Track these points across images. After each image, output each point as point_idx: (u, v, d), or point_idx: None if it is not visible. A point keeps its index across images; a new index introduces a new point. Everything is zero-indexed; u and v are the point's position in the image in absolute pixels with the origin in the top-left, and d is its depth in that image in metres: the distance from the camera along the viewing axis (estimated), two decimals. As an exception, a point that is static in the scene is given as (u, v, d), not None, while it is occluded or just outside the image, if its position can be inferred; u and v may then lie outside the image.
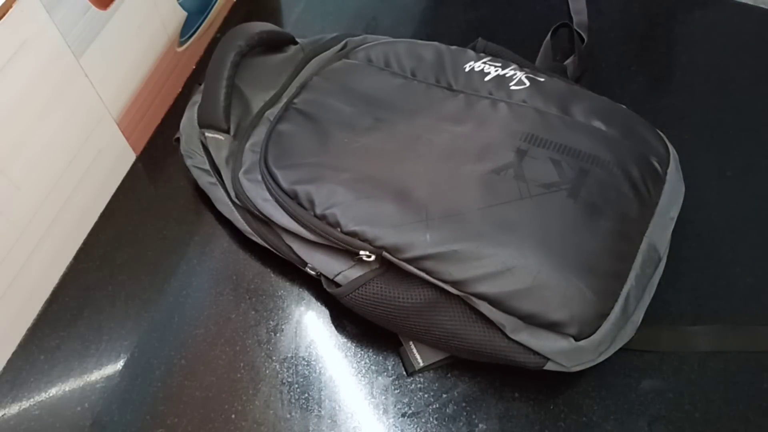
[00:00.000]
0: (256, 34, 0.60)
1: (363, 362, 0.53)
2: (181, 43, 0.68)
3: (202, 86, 0.60)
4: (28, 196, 0.50)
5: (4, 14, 0.43)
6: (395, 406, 0.51)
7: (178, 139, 0.61)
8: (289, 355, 0.53)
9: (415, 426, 0.50)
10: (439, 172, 0.50)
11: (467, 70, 0.58)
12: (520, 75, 0.57)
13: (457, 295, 0.46)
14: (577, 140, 0.51)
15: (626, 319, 0.47)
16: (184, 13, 0.66)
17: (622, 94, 0.59)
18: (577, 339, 0.45)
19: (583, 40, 0.73)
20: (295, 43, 0.65)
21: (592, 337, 0.45)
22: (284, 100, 0.59)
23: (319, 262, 0.51)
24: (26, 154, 0.49)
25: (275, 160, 0.53)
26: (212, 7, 0.72)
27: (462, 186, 0.49)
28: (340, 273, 0.50)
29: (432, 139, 0.53)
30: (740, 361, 0.52)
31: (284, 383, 0.51)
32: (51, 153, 0.52)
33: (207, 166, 0.57)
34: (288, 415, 0.50)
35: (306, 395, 0.51)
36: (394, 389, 0.51)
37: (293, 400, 0.50)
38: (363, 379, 0.52)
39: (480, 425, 0.50)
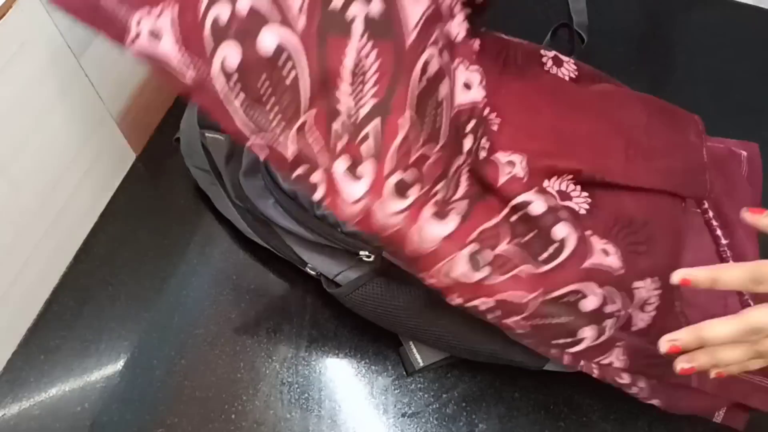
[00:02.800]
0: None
1: (363, 362, 0.52)
2: (181, 43, 0.68)
3: (202, 86, 0.60)
4: (28, 196, 0.50)
5: (4, 14, 0.43)
6: (395, 406, 0.51)
7: (178, 139, 0.61)
8: (289, 355, 0.53)
9: (415, 426, 0.50)
10: None
11: None
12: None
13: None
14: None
15: (626, 319, 0.47)
16: (184, 13, 0.66)
17: (622, 94, 0.60)
18: (577, 339, 0.45)
19: (583, 40, 0.73)
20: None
21: (592, 337, 0.45)
22: (284, 100, 0.59)
23: (320, 262, 0.51)
24: (27, 154, 0.49)
25: (275, 160, 0.53)
26: (212, 7, 0.72)
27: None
28: (340, 273, 0.50)
29: None
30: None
31: (284, 383, 0.51)
32: (51, 153, 0.52)
33: (207, 167, 0.57)
34: (288, 415, 0.50)
35: (306, 395, 0.51)
36: (394, 389, 0.51)
37: (293, 400, 0.50)
38: (363, 379, 0.52)
39: (480, 425, 0.50)
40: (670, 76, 0.71)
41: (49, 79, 0.49)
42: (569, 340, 0.43)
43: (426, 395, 0.51)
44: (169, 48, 0.37)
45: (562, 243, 0.43)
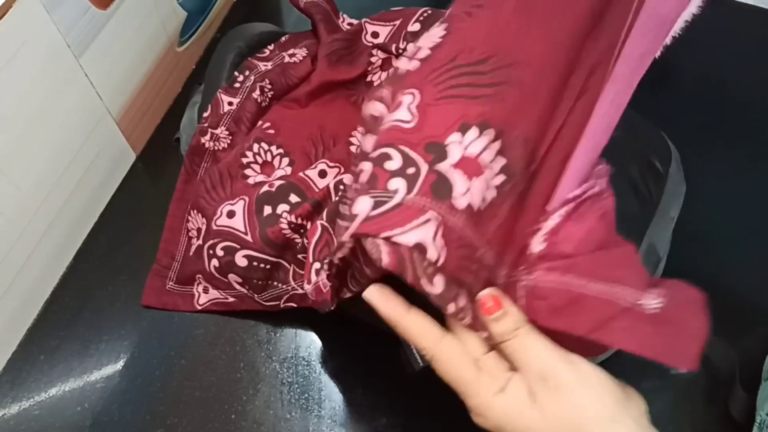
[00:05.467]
0: (255, 35, 0.60)
1: (363, 362, 0.52)
2: (181, 43, 0.68)
3: (202, 86, 0.60)
4: (28, 196, 0.50)
5: (4, 14, 0.43)
6: (395, 406, 0.50)
7: (178, 139, 0.61)
8: (289, 355, 0.53)
9: (415, 426, 0.50)
10: None
11: None
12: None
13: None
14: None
15: (626, 319, 0.47)
16: (184, 13, 0.66)
17: (622, 94, 0.60)
18: (577, 339, 0.44)
19: (583, 40, 0.73)
20: (295, 43, 0.65)
21: (592, 337, 0.44)
22: (284, 100, 0.60)
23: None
24: (26, 154, 0.49)
25: (275, 160, 0.53)
26: (212, 7, 0.72)
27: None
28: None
29: None
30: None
31: (284, 383, 0.51)
32: (51, 153, 0.52)
33: (207, 166, 0.57)
34: (288, 415, 0.50)
35: (306, 395, 0.51)
36: (394, 389, 0.51)
37: (293, 400, 0.50)
38: (363, 379, 0.52)
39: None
40: (670, 76, 0.71)
41: (49, 78, 0.49)
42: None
43: (427, 395, 0.51)
44: None
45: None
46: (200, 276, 0.52)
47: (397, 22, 0.59)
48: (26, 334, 0.53)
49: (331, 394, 0.51)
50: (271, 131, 0.52)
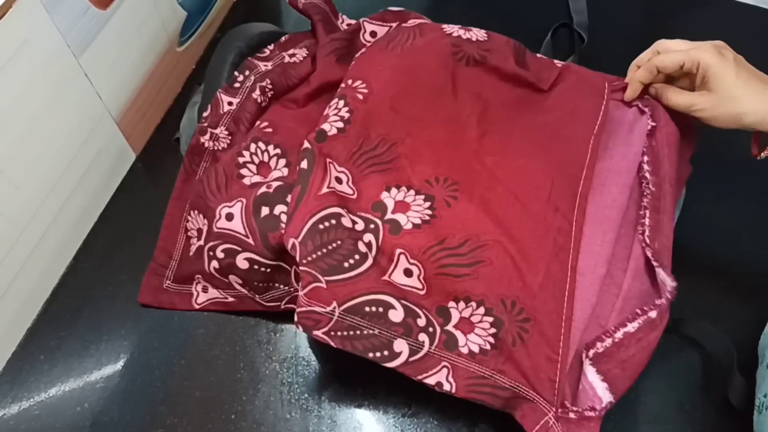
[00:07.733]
0: (255, 35, 0.60)
1: (363, 362, 0.52)
2: (181, 43, 0.68)
3: (202, 86, 0.60)
4: (28, 196, 0.50)
5: (4, 14, 0.43)
6: (395, 406, 0.50)
7: (178, 139, 0.61)
8: (289, 356, 0.53)
9: (415, 426, 0.50)
10: None
11: None
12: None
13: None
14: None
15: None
16: (184, 13, 0.66)
17: (622, 94, 0.60)
18: (576, 339, 0.45)
19: (583, 40, 0.73)
20: (295, 43, 0.65)
21: (591, 337, 0.45)
22: (284, 100, 0.60)
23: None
24: (26, 154, 0.49)
25: (275, 160, 0.53)
26: (212, 7, 0.72)
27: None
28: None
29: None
30: (742, 361, 0.52)
31: (284, 383, 0.51)
32: (51, 153, 0.52)
33: (207, 166, 0.57)
34: (288, 415, 0.50)
35: (306, 395, 0.51)
36: (394, 389, 0.51)
37: (293, 400, 0.50)
38: (363, 379, 0.52)
39: (480, 425, 0.50)
40: (670, 76, 0.71)
41: (49, 78, 0.49)
42: (386, 353, 0.44)
43: (426, 395, 0.51)
44: None
45: (364, 255, 0.44)
46: (199, 276, 0.52)
47: (395, 24, 0.59)
48: (26, 334, 0.53)
49: (331, 394, 0.51)
50: (269, 130, 0.52)
